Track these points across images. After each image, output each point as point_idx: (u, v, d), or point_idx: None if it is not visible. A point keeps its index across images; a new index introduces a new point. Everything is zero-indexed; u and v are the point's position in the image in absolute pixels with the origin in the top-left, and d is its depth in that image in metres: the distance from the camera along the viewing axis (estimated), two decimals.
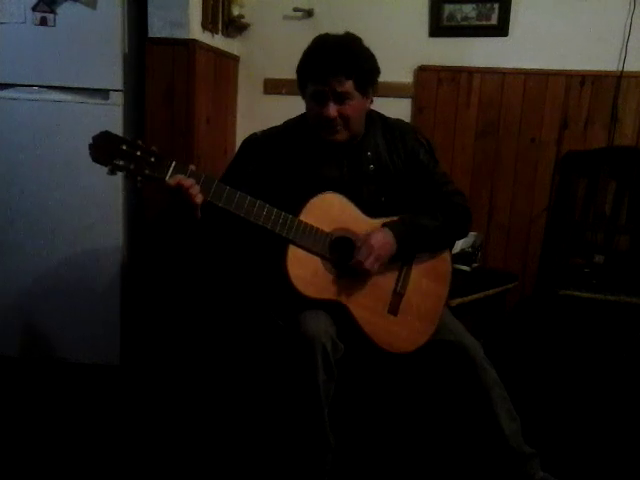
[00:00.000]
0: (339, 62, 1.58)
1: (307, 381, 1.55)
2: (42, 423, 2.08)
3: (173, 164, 1.48)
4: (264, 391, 2.17)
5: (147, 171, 1.45)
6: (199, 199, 1.50)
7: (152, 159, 1.46)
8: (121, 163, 1.43)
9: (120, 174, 1.45)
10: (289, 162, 1.70)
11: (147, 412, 2.17)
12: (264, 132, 1.76)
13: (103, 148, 1.42)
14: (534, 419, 1.99)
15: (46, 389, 2.31)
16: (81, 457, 1.89)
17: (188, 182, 1.48)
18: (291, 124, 1.77)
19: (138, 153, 1.44)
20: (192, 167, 1.51)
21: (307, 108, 1.69)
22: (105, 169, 1.43)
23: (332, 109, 1.61)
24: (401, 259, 1.71)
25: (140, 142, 1.46)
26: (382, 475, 1.87)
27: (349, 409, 1.96)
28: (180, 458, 1.91)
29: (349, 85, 1.60)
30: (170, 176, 1.47)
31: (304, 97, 1.69)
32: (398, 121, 1.82)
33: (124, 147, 1.43)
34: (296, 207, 1.62)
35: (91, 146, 1.42)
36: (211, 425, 2.09)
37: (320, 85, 1.60)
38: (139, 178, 1.45)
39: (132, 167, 1.44)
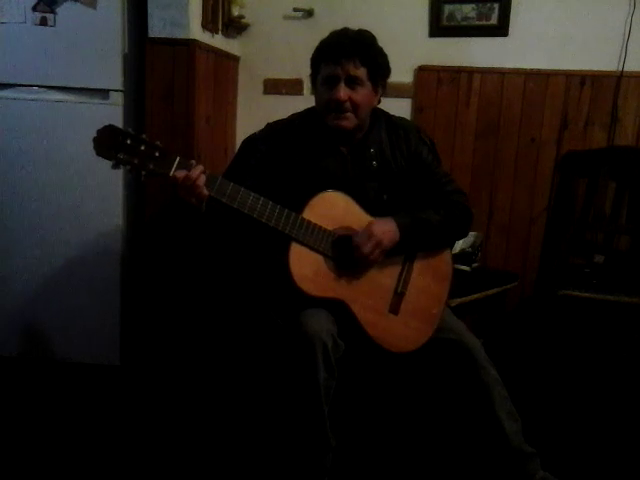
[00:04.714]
0: (356, 47, 1.61)
1: (307, 380, 1.55)
2: (42, 423, 2.07)
3: (177, 159, 1.48)
4: (264, 390, 2.17)
5: (151, 166, 1.45)
6: (206, 192, 1.50)
7: (156, 154, 1.46)
8: (125, 157, 1.43)
9: (123, 169, 1.46)
10: (292, 156, 1.70)
11: (147, 412, 2.17)
12: (268, 125, 1.77)
13: (107, 142, 1.43)
14: (534, 419, 1.99)
15: (46, 389, 2.31)
16: (81, 457, 1.89)
17: (195, 174, 1.48)
18: (297, 118, 1.78)
19: (142, 147, 1.45)
20: (193, 162, 1.51)
21: (317, 96, 1.70)
22: (108, 164, 1.43)
23: (343, 91, 1.61)
24: (403, 253, 1.71)
25: (144, 136, 1.46)
26: (382, 475, 1.87)
27: (350, 408, 1.96)
28: (180, 458, 1.90)
29: (363, 72, 1.62)
30: (174, 171, 1.48)
31: (315, 87, 1.70)
32: (402, 119, 1.83)
33: (128, 141, 1.44)
34: (298, 202, 1.62)
35: (95, 140, 1.43)
36: (211, 425, 2.09)
37: (334, 66, 1.61)
38: (143, 173, 1.46)
39: (136, 161, 1.44)
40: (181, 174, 1.48)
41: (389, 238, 1.63)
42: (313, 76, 1.71)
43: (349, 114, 1.65)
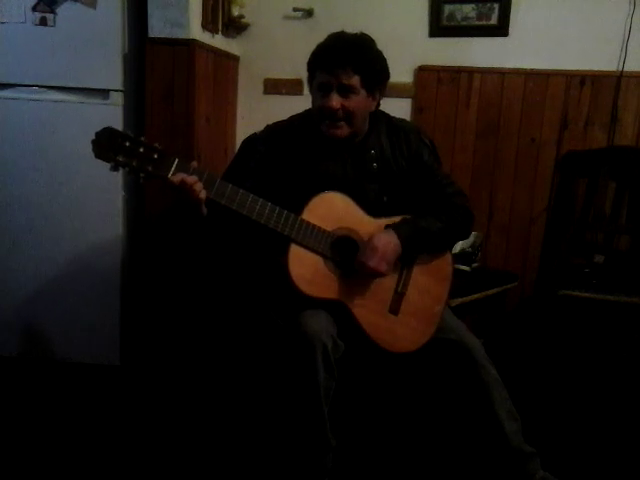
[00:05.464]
0: (349, 55, 1.59)
1: (307, 380, 1.55)
2: (42, 423, 2.07)
3: (176, 161, 1.48)
4: (264, 391, 2.17)
5: (150, 168, 1.45)
6: (203, 195, 1.50)
7: (155, 156, 1.46)
8: (124, 160, 1.43)
9: (122, 170, 1.45)
10: (292, 157, 1.70)
11: (147, 412, 2.17)
12: (267, 126, 1.77)
13: (106, 144, 1.42)
14: (534, 419, 1.99)
15: (46, 389, 2.31)
16: (81, 457, 1.89)
17: (191, 179, 1.48)
18: (296, 119, 1.78)
19: (141, 150, 1.44)
20: (194, 164, 1.51)
21: (313, 101, 1.70)
22: (108, 165, 1.43)
23: (335, 100, 1.61)
24: (404, 260, 1.70)
25: (143, 139, 1.45)
26: (382, 475, 1.87)
27: (350, 409, 1.96)
28: (180, 458, 1.90)
29: (356, 80, 1.61)
30: (173, 173, 1.47)
31: (312, 90, 1.70)
32: (402, 121, 1.83)
33: (127, 143, 1.43)
34: (298, 204, 1.62)
35: (94, 142, 1.42)
36: (211, 425, 2.09)
37: (327, 75, 1.60)
38: (142, 175, 1.45)
39: (135, 164, 1.44)
40: (179, 177, 1.47)
41: (392, 250, 1.63)
42: (309, 77, 1.71)
43: (342, 123, 1.64)
